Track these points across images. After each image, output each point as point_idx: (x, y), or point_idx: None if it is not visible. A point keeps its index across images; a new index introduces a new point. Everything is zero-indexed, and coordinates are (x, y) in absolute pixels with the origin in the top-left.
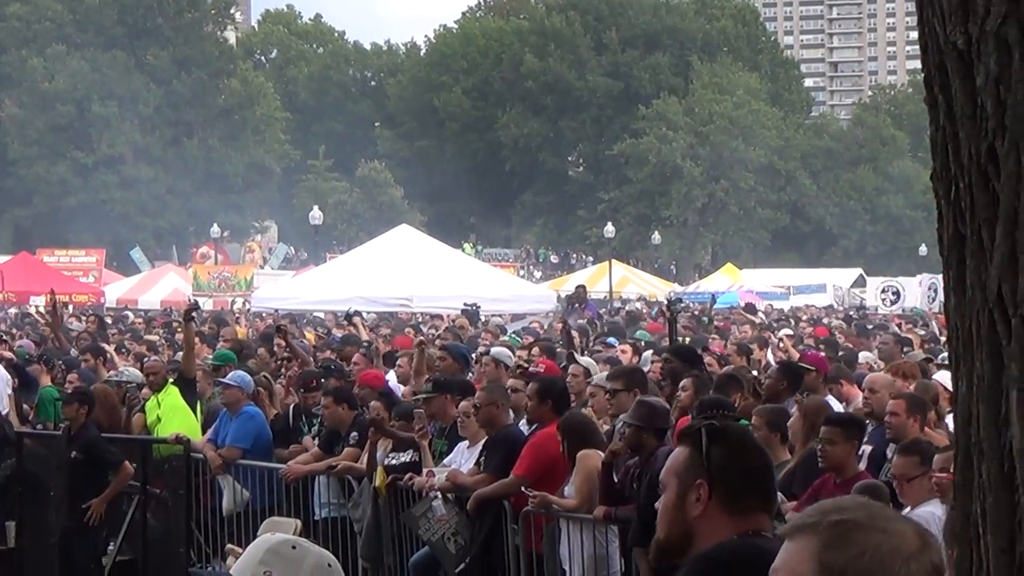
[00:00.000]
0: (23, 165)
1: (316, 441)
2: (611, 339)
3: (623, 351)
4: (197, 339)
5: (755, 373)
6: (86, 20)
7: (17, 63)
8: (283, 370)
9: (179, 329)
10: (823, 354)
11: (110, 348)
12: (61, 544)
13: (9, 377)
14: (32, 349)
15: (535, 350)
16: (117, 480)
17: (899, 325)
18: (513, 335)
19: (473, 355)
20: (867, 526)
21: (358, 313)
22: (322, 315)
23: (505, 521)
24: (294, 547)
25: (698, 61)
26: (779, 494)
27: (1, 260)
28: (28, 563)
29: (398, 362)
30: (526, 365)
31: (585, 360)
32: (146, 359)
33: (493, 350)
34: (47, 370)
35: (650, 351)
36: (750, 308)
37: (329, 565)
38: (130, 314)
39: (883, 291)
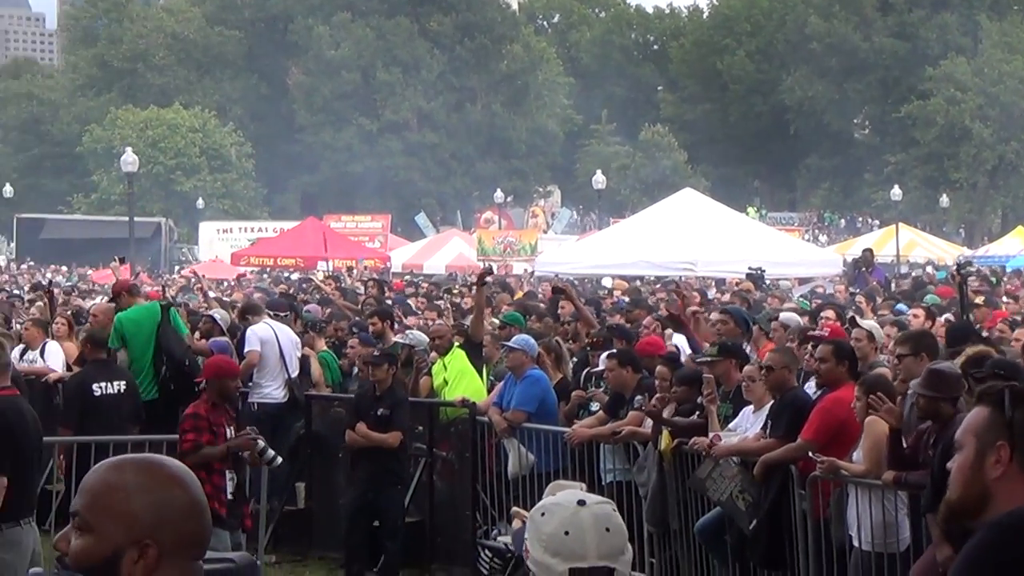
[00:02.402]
0: (310, 132)
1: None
2: (900, 305)
3: (915, 315)
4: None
5: None
6: None
7: (303, 31)
8: (567, 333)
9: (453, 294)
10: None
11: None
12: (370, 503)
13: (298, 340)
14: (319, 314)
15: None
16: (378, 439)
17: None
18: (801, 298)
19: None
20: None
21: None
22: (609, 280)
23: (792, 486)
24: (543, 513)
25: (987, 20)
26: None
27: (289, 226)
28: (317, 523)
29: None
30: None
31: (868, 323)
32: (431, 323)
33: (782, 315)
34: (319, 336)
35: None
36: None
37: (566, 533)
38: (416, 279)
39: None
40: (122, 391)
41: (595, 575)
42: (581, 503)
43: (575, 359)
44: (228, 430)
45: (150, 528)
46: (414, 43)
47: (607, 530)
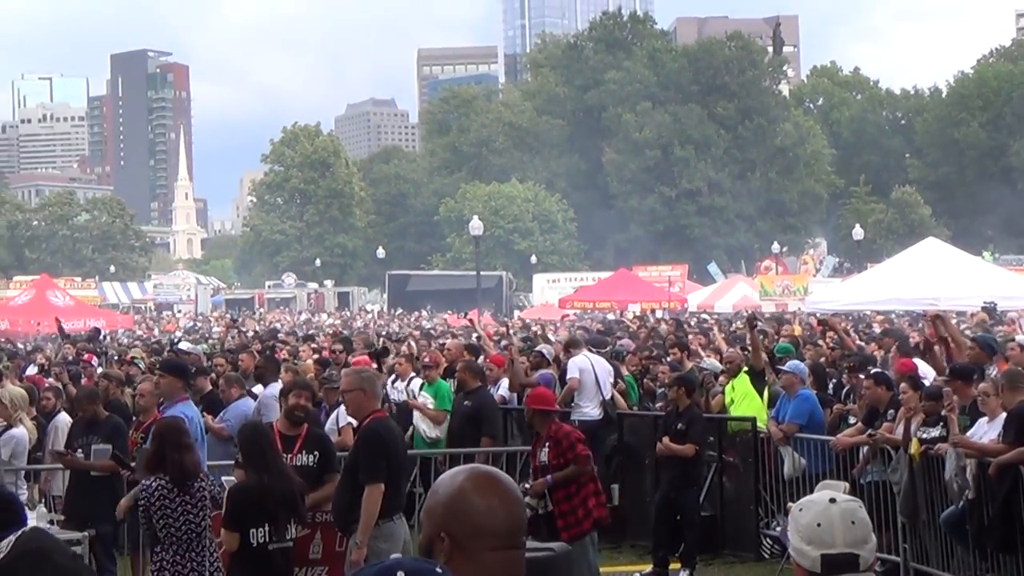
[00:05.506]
0: (621, 199)
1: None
2: None
3: None
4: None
5: None
6: (668, 81)
7: (614, 118)
8: (828, 358)
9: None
10: None
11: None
12: (672, 501)
13: (611, 369)
14: (629, 347)
15: None
16: (677, 450)
17: None
18: None
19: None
20: None
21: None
22: (868, 312)
23: (1021, 483)
24: (800, 509)
25: None
26: None
27: (605, 275)
28: (629, 517)
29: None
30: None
31: None
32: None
33: (1018, 337)
34: (621, 362)
35: None
36: None
37: (818, 524)
38: (707, 317)
39: None
40: None
41: (842, 559)
42: (832, 500)
43: (834, 380)
44: (540, 452)
45: (443, 520)
46: (704, 125)
47: (852, 523)
